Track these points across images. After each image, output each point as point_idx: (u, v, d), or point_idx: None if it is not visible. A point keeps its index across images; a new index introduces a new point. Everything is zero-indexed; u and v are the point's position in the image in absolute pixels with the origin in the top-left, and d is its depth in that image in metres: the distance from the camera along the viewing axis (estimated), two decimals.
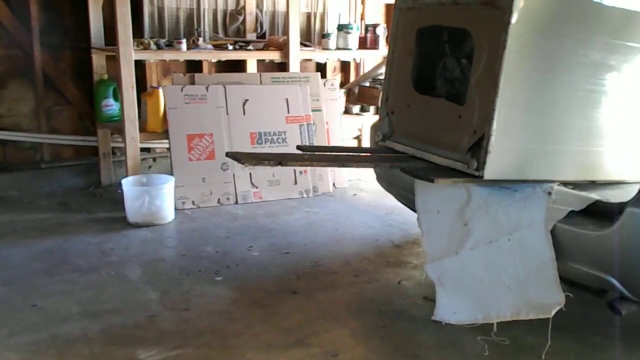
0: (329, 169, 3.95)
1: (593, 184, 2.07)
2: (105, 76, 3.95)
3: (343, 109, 4.52)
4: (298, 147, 2.40)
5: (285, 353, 2.01)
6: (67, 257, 2.86)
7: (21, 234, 3.17)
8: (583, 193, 1.86)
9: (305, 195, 3.86)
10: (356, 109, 4.55)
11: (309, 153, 2.33)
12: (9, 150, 4.04)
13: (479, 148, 1.87)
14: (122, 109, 3.64)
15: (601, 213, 1.78)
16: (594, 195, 1.86)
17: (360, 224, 3.38)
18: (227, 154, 2.12)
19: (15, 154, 4.06)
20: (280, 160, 1.90)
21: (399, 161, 2.15)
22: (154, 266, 2.77)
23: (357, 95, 4.84)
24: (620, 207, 1.68)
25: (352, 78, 4.96)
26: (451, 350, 2.03)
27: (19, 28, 3.84)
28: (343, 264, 2.79)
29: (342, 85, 4.85)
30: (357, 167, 2.46)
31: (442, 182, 1.94)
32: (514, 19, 1.75)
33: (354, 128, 4.80)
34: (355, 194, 3.97)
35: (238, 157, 2.00)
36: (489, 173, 1.86)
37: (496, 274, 2.01)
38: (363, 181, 4.16)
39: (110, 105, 3.98)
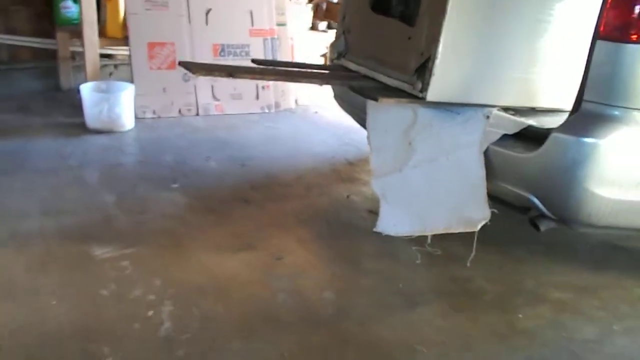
0: (292, 85, 3.98)
1: (534, 111, 2.19)
2: None
3: (310, 25, 4.48)
4: (253, 61, 2.43)
5: (234, 255, 2.15)
6: (27, 159, 2.90)
7: None
8: (517, 118, 1.97)
9: (266, 111, 3.90)
10: (323, 25, 4.51)
11: (261, 67, 2.37)
12: None
13: (424, 70, 1.94)
14: (81, 11, 3.55)
15: (532, 137, 1.90)
16: (529, 120, 1.98)
17: (318, 141, 3.47)
18: (180, 63, 2.15)
19: None
20: (231, 71, 1.94)
21: (351, 80, 2.21)
22: (111, 171, 2.84)
23: (325, 12, 4.77)
24: (548, 132, 1.80)
25: None
26: (388, 258, 2.20)
27: None
28: (297, 177, 2.91)
29: (309, 1, 4.77)
30: (307, 82, 2.51)
31: (386, 102, 2.03)
32: None
33: (321, 45, 4.78)
34: (316, 112, 4.04)
35: (189, 66, 2.04)
36: (432, 95, 1.95)
37: (434, 191, 2.15)
38: (326, 100, 4.21)
39: (69, 7, 3.88)
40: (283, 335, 1.72)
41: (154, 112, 3.63)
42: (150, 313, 1.77)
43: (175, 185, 2.72)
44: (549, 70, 2.13)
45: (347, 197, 2.73)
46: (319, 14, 4.76)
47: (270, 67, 2.49)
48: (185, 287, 1.92)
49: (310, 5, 4.64)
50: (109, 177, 2.77)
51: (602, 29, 1.70)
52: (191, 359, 1.60)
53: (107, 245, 2.15)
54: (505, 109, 2.08)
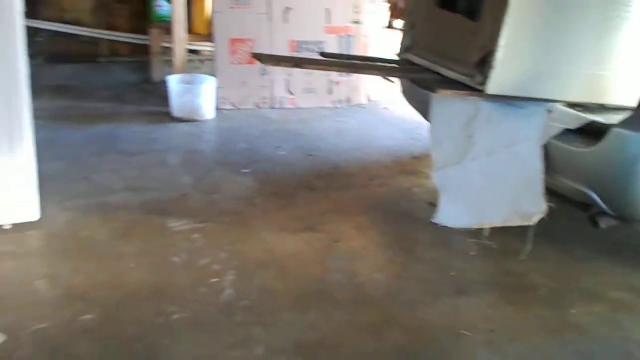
0: (363, 81, 4.08)
1: (603, 108, 2.16)
2: None
3: (386, 24, 4.56)
4: (321, 54, 2.55)
5: (295, 236, 2.29)
6: (117, 142, 3.20)
7: (79, 119, 3.53)
8: (580, 113, 1.96)
9: (338, 106, 4.03)
10: (399, 24, 4.57)
11: (327, 59, 2.49)
12: (72, 44, 4.36)
13: (485, 64, 1.98)
14: (172, 9, 3.84)
15: (593, 133, 1.89)
16: (592, 116, 1.97)
17: (386, 135, 3.55)
18: (253, 55, 2.31)
19: (77, 47, 4.37)
20: (298, 62, 2.07)
21: (414, 73, 2.28)
22: (191, 156, 3.07)
23: (402, 10, 4.83)
24: (608, 128, 1.79)
25: None
26: (442, 248, 2.25)
27: None
28: (361, 169, 3.01)
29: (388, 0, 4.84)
30: (370, 74, 2.59)
31: (444, 94, 2.08)
32: None
33: (396, 43, 4.84)
34: (387, 108, 4.11)
35: (261, 57, 2.19)
36: (492, 88, 1.99)
37: (492, 184, 2.18)
38: (396, 96, 4.28)
39: (162, 6, 4.18)
40: (335, 310, 1.82)
41: (232, 104, 3.85)
42: (215, 281, 1.94)
43: (247, 171, 2.90)
44: (623, 67, 2.09)
45: (409, 189, 2.79)
46: (396, 12, 4.82)
47: (336, 60, 2.60)
48: (248, 261, 2.07)
49: (388, 4, 4.71)
50: (188, 160, 3.00)
51: None
52: (248, 323, 1.74)
53: (182, 219, 2.35)
54: (572, 105, 2.08)
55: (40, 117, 2.17)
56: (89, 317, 1.71)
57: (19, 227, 2.15)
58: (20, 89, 2.04)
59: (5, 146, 2.07)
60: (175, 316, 1.75)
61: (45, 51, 4.20)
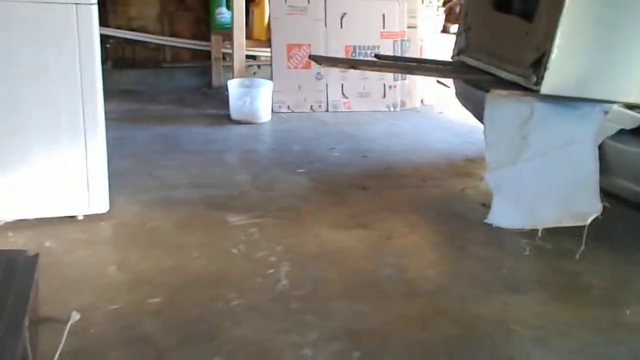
0: (418, 85, 4.12)
1: None
2: None
3: (441, 28, 4.58)
4: (375, 56, 2.62)
5: (347, 232, 2.36)
6: (180, 142, 3.37)
7: (145, 121, 3.74)
8: (636, 114, 1.95)
9: (392, 109, 4.08)
10: (454, 28, 4.58)
11: (382, 61, 2.55)
12: (138, 50, 4.61)
13: (539, 64, 2.00)
14: (232, 16, 4.00)
15: None
16: None
17: (439, 138, 3.58)
18: (310, 57, 2.40)
19: (142, 53, 4.63)
20: (353, 64, 2.15)
21: (468, 74, 2.32)
22: (248, 156, 3.20)
23: (458, 15, 4.83)
24: None
25: None
26: (495, 248, 2.26)
27: None
28: (414, 170, 3.05)
29: (443, 4, 4.86)
30: (423, 75, 2.64)
31: (497, 93, 2.10)
32: None
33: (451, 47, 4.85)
34: (441, 112, 4.13)
35: (318, 59, 2.28)
36: (546, 88, 2.00)
37: (546, 184, 2.18)
38: (451, 100, 4.29)
39: (223, 13, 4.37)
40: (385, 302, 1.88)
41: (288, 107, 3.97)
42: (271, 271, 2.03)
43: (301, 170, 3.00)
44: None
45: (462, 190, 2.82)
46: (452, 17, 4.83)
47: (390, 61, 2.67)
48: (302, 254, 2.16)
49: (443, 8, 4.73)
50: (245, 160, 3.13)
51: None
52: (302, 311, 1.82)
53: (240, 214, 2.46)
54: (630, 107, 2.06)
55: (109, 119, 2.33)
56: (156, 300, 1.83)
57: (90, 218, 2.31)
58: (95, 91, 2.21)
59: (81, 143, 2.24)
60: (234, 302, 1.84)
61: (113, 57, 4.46)
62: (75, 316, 1.71)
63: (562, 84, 2.01)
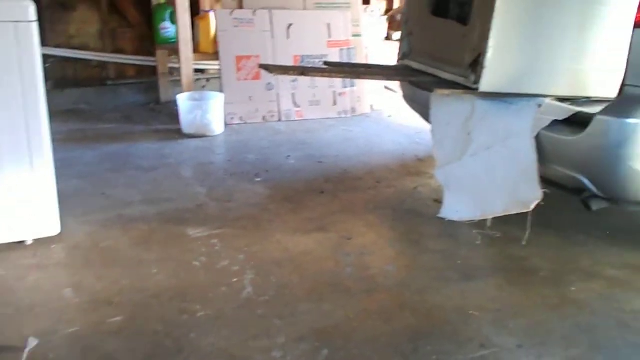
0: (367, 91, 4.23)
1: (588, 100, 2.28)
2: (163, 1, 4.30)
3: (384, 35, 4.72)
4: (325, 63, 2.69)
5: (307, 236, 2.41)
6: (131, 159, 3.34)
7: (92, 140, 3.68)
8: (567, 105, 2.09)
9: (343, 116, 4.17)
10: (397, 35, 4.73)
11: (330, 67, 2.63)
12: (79, 68, 4.54)
13: (477, 64, 2.12)
14: (177, 31, 4.01)
15: (580, 122, 2.02)
16: (578, 108, 2.09)
17: (390, 141, 3.69)
18: (260, 66, 2.45)
19: (84, 71, 4.55)
20: (303, 71, 2.21)
21: (412, 76, 2.42)
22: (203, 168, 3.21)
23: (399, 23, 4.99)
24: (593, 116, 1.92)
25: (396, 5, 5.10)
26: (449, 240, 2.36)
27: None
28: (368, 172, 3.14)
29: (385, 13, 5.01)
30: (371, 79, 2.73)
31: (441, 92, 2.21)
32: None
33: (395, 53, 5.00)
34: (390, 116, 4.25)
35: (268, 67, 2.33)
36: (484, 86, 2.12)
37: (491, 176, 2.30)
38: (399, 104, 4.42)
39: (167, 28, 4.36)
40: (348, 300, 1.94)
41: (240, 119, 4.00)
42: (235, 280, 2.06)
43: (258, 179, 3.03)
44: (602, 61, 2.22)
45: (415, 188, 2.92)
46: (394, 24, 4.99)
47: (338, 68, 2.75)
48: (265, 261, 2.19)
49: (385, 16, 4.88)
50: (201, 172, 3.14)
51: (638, 18, 1.80)
52: (268, 317, 1.85)
53: (199, 227, 2.48)
54: (561, 100, 2.20)
55: (54, 140, 2.29)
56: (116, 319, 1.80)
57: (40, 242, 2.26)
58: (39, 112, 2.17)
59: (26, 165, 2.19)
60: (200, 314, 1.85)
61: (53, 77, 4.37)
62: (33, 342, 1.67)
63: (498, 81, 2.13)
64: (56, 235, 2.29)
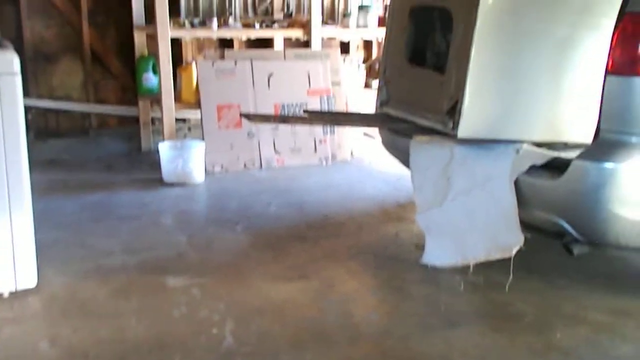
0: (347, 138, 4.29)
1: (565, 145, 2.34)
2: (146, 52, 4.37)
3: (363, 83, 4.82)
4: (305, 111, 2.74)
5: (289, 283, 2.38)
6: (111, 208, 3.30)
7: (72, 190, 3.64)
8: (544, 151, 2.14)
9: (324, 162, 4.20)
10: (376, 83, 4.83)
11: (311, 115, 2.67)
12: (61, 119, 4.54)
13: (454, 111, 2.17)
14: (160, 81, 4.05)
15: (558, 167, 2.06)
16: (555, 152, 2.14)
17: (371, 187, 3.71)
18: (241, 114, 2.49)
19: (66, 122, 4.55)
20: (284, 119, 2.25)
21: (391, 123, 2.47)
22: (184, 216, 3.18)
23: (378, 71, 5.11)
24: (570, 161, 1.96)
25: (374, 55, 5.24)
26: (431, 286, 2.36)
27: (70, 8, 4.31)
28: (349, 218, 3.14)
29: (364, 62, 5.14)
30: (350, 126, 2.78)
31: (420, 139, 2.26)
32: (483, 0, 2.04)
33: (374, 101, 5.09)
34: (370, 162, 4.29)
35: (249, 116, 2.37)
36: (462, 132, 2.17)
37: (472, 221, 2.32)
38: (379, 151, 4.47)
39: (150, 79, 4.40)
40: (331, 349, 1.90)
41: (221, 167, 4.00)
42: (215, 330, 2.01)
43: (239, 227, 3.01)
44: (575, 106, 2.28)
45: (396, 234, 2.92)
46: (373, 72, 5.11)
47: (319, 115, 2.79)
48: (246, 309, 2.16)
49: (364, 65, 5.00)
50: (181, 221, 3.11)
51: (610, 65, 1.88)
52: None
53: (180, 276, 2.44)
54: (539, 145, 2.25)
55: (34, 190, 2.27)
56: None
57: (17, 294, 2.21)
58: (20, 163, 2.16)
59: (5, 217, 2.16)
60: None
61: (35, 127, 4.36)
62: None
63: (476, 127, 2.18)
64: (33, 288, 2.24)
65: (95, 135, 4.64)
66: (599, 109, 1.95)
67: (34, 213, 2.24)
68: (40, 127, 4.45)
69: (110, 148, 4.61)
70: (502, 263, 2.24)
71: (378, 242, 2.84)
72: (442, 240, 2.47)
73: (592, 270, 2.48)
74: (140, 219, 3.13)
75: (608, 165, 1.87)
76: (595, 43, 2.13)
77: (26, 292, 2.22)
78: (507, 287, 2.22)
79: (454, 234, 2.41)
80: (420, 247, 2.60)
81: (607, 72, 1.90)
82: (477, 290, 2.30)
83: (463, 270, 2.38)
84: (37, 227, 2.28)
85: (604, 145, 1.91)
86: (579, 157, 1.93)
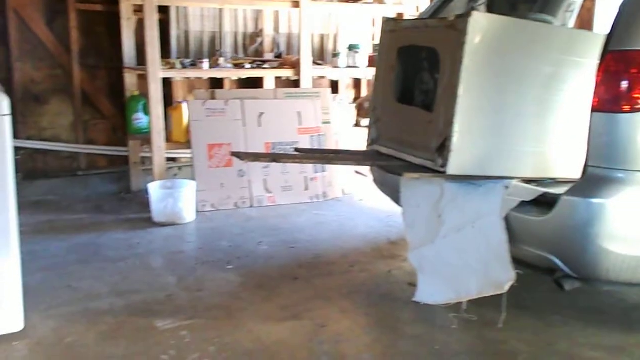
0: (338, 176, 4.30)
1: (554, 181, 2.36)
2: (136, 92, 4.40)
3: (353, 122, 4.87)
4: (295, 149, 2.75)
5: (281, 324, 2.34)
6: (99, 250, 3.26)
7: (59, 231, 3.59)
8: (533, 187, 2.15)
9: (315, 200, 4.20)
10: (366, 122, 4.88)
11: (301, 153, 2.69)
12: (50, 159, 4.51)
13: (443, 148, 2.19)
14: (150, 121, 4.07)
15: (548, 203, 2.07)
16: (544, 189, 2.15)
17: (362, 224, 3.70)
18: (232, 153, 2.49)
19: (55, 162, 4.53)
20: (275, 157, 2.25)
21: (382, 161, 2.48)
22: (174, 257, 3.14)
23: (367, 110, 5.17)
24: (559, 197, 1.97)
25: (364, 94, 5.31)
26: (424, 325, 2.33)
27: (61, 50, 4.34)
28: (341, 256, 3.12)
29: (354, 101, 5.20)
30: (341, 164, 2.79)
31: (410, 177, 2.27)
32: (469, 39, 2.09)
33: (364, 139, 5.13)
34: (362, 200, 4.30)
35: (240, 155, 2.37)
36: (452, 169, 2.18)
37: (464, 258, 2.31)
38: (370, 188, 4.48)
39: (140, 119, 4.41)
40: None
41: (212, 206, 3.99)
42: None
43: (230, 267, 2.98)
44: (563, 143, 2.32)
45: (389, 272, 2.90)
46: (362, 111, 5.16)
47: (310, 153, 2.80)
48: (237, 352, 2.11)
49: (354, 104, 5.06)
50: (171, 261, 3.07)
51: (595, 102, 1.92)
52: None
53: (169, 318, 2.39)
54: (528, 181, 2.27)
55: (21, 232, 2.25)
56: None
57: (2, 339, 2.16)
58: (8, 204, 2.14)
59: None
60: None
61: (23, 168, 4.34)
62: None
63: (465, 164, 2.20)
64: (19, 332, 2.19)
65: (84, 176, 4.62)
66: (586, 145, 1.97)
67: (20, 255, 2.20)
68: (29, 168, 4.42)
69: (100, 188, 4.58)
70: (495, 300, 2.22)
71: (371, 281, 2.81)
72: (435, 278, 2.45)
73: (585, 305, 2.47)
74: (128, 260, 3.09)
75: (596, 200, 1.88)
76: (581, 81, 2.18)
77: (12, 337, 2.17)
78: (500, 324, 2.20)
79: (446, 271, 2.40)
80: (413, 285, 2.58)
81: (592, 109, 1.93)
82: (471, 327, 2.27)
83: (456, 307, 2.36)
84: (24, 269, 2.24)
85: (592, 181, 1.93)
86: (568, 193, 1.94)
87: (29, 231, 3.51)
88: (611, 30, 1.95)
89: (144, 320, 2.38)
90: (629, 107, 1.86)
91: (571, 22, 3.43)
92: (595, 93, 1.92)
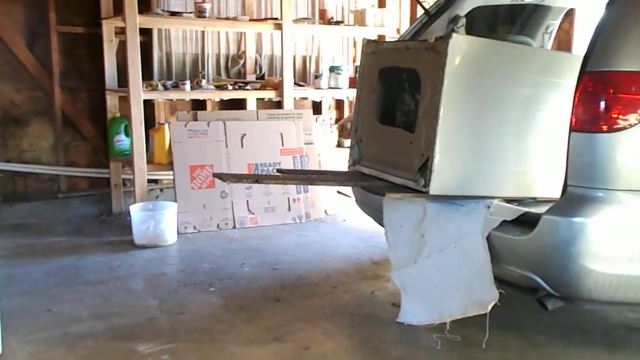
0: (321, 196, 4.30)
1: (535, 200, 2.38)
2: (118, 114, 4.37)
3: (336, 143, 4.89)
4: (278, 170, 2.75)
5: (263, 347, 2.31)
6: (79, 272, 3.20)
7: (39, 254, 3.53)
8: (514, 206, 2.18)
9: (298, 221, 4.19)
10: (348, 142, 4.90)
11: (284, 174, 2.69)
12: (30, 182, 4.45)
13: (425, 168, 2.21)
14: (132, 143, 4.04)
15: (529, 222, 2.09)
16: (525, 208, 2.18)
17: (345, 245, 3.69)
18: (214, 175, 2.48)
19: (35, 185, 4.46)
20: (257, 179, 2.25)
21: (364, 181, 2.49)
22: (155, 279, 3.10)
23: (349, 130, 5.21)
24: (540, 216, 1.99)
25: (346, 114, 5.35)
26: (409, 345, 2.31)
27: (42, 72, 4.31)
28: (324, 277, 3.10)
29: (336, 121, 5.24)
30: (323, 185, 2.80)
31: (392, 197, 2.27)
32: (449, 61, 2.12)
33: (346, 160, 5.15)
34: (345, 220, 4.30)
35: (222, 176, 2.36)
36: (434, 189, 2.20)
37: (447, 278, 2.31)
38: (353, 209, 4.48)
39: (121, 140, 4.38)
40: None
41: (194, 227, 3.95)
42: None
43: (212, 289, 2.94)
44: (542, 163, 2.35)
45: (372, 292, 2.89)
46: (345, 132, 5.19)
47: (291, 175, 2.80)
48: None
49: (336, 125, 5.09)
50: (152, 284, 3.03)
51: (574, 122, 1.95)
52: None
53: (150, 341, 2.35)
54: (509, 201, 2.29)
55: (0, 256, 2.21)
56: None
57: None
58: None
59: None
60: None
61: (2, 191, 4.27)
62: None
63: (447, 184, 2.21)
64: None
65: (64, 199, 4.55)
66: (565, 165, 2.00)
67: None
68: (9, 191, 4.35)
69: (80, 211, 4.52)
70: (479, 320, 2.22)
71: (354, 301, 2.79)
72: (418, 298, 2.45)
73: (567, 324, 2.48)
74: (109, 283, 3.04)
75: (577, 219, 1.90)
76: (560, 101, 2.22)
77: None
78: (484, 344, 2.19)
79: (429, 291, 2.39)
80: (397, 306, 2.57)
81: (571, 129, 1.96)
82: (455, 348, 2.27)
83: (440, 328, 2.35)
84: (2, 293, 2.21)
85: (572, 200, 1.95)
86: (548, 212, 1.96)
87: (8, 255, 3.45)
88: (588, 51, 1.99)
89: (124, 344, 2.34)
90: (607, 126, 1.90)
91: (549, 44, 3.51)
92: (573, 113, 1.96)
